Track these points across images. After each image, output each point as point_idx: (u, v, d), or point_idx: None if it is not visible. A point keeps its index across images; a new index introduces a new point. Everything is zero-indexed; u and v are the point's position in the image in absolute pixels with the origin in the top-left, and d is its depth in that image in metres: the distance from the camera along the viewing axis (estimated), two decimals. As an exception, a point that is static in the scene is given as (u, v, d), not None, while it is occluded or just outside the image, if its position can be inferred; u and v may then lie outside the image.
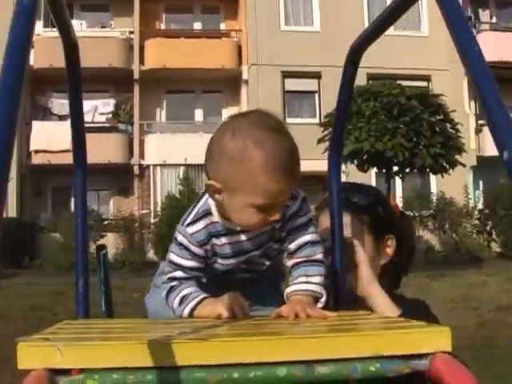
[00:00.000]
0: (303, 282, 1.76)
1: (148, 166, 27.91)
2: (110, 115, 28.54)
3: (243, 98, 28.17)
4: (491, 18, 30.45)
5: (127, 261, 22.51)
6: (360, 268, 2.01)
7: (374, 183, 25.56)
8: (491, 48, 28.03)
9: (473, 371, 1.26)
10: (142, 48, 28.63)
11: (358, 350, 1.24)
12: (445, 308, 12.12)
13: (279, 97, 27.76)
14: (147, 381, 1.17)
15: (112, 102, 28.64)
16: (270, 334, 1.33)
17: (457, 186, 24.76)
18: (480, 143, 26.39)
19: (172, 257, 1.80)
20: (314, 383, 1.23)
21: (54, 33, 24.99)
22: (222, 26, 30.94)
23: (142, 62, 28.51)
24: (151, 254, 23.93)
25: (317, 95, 28.15)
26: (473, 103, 26.70)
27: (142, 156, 28.03)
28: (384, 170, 18.35)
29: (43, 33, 24.53)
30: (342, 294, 1.91)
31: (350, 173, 23.57)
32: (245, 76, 28.26)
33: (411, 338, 1.27)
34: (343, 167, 19.88)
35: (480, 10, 30.14)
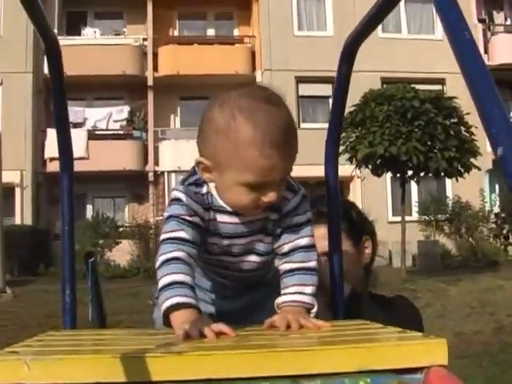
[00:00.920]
0: (296, 293, 1.66)
1: (162, 173, 27.96)
2: (125, 122, 28.63)
3: (257, 104, 28.15)
4: (506, 19, 30.30)
5: (142, 268, 22.50)
6: None
7: (388, 187, 25.61)
8: (506, 50, 27.98)
9: (489, 376, 1.20)
10: (155, 55, 28.71)
11: (347, 364, 1.18)
12: (461, 313, 12.05)
13: (293, 102, 27.69)
14: (118, 397, 1.11)
15: (126, 108, 28.72)
16: (252, 347, 1.25)
17: (473, 189, 24.64)
18: (496, 146, 26.20)
19: (169, 214, 1.65)
20: None
21: (67, 41, 25.17)
22: (236, 32, 30.99)
23: (155, 68, 28.59)
24: (166, 261, 23.93)
25: (331, 100, 28.09)
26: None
27: (156, 163, 28.08)
28: (398, 175, 18.26)
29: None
30: (338, 302, 1.86)
31: (365, 178, 23.56)
32: (259, 81, 28.25)
33: (405, 351, 1.21)
34: (358, 172, 19.82)
35: (494, 12, 30.01)
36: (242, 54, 28.96)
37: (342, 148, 16.95)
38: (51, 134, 25.55)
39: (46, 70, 26.25)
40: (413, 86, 18.91)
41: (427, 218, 25.34)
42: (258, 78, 28.30)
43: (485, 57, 27.82)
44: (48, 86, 25.85)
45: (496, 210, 25.94)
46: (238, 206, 1.62)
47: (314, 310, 1.66)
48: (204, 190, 1.66)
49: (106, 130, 28.26)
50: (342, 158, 16.94)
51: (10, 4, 24.15)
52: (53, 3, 27.43)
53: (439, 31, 27.62)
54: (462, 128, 17.66)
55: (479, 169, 17.79)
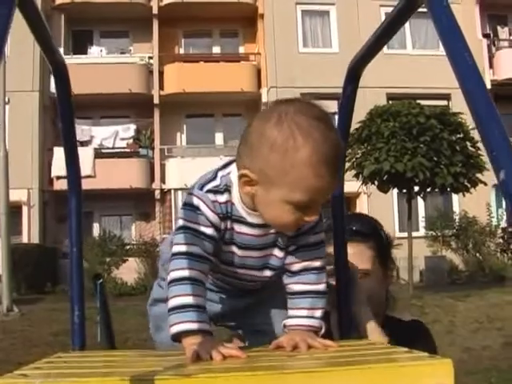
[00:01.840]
0: (306, 317, 1.66)
1: (169, 191, 27.96)
2: (131, 140, 28.68)
3: (263, 121, 28.13)
4: (510, 35, 30.33)
5: (149, 285, 22.43)
6: (355, 289, 1.94)
7: (395, 203, 25.58)
8: (510, 65, 27.99)
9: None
10: (161, 73, 28.80)
11: None
12: (469, 328, 12.01)
13: (299, 119, 27.77)
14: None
15: (132, 127, 28.78)
16: (260, 368, 1.26)
17: (479, 204, 24.59)
18: (502, 161, 26.15)
19: (184, 223, 1.60)
20: None
21: (74, 60, 25.28)
22: (241, 50, 31.08)
23: (161, 86, 28.67)
24: (173, 279, 23.89)
25: (337, 116, 28.05)
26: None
27: (163, 180, 28.10)
28: (405, 191, 18.23)
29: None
30: (346, 322, 1.86)
31: (371, 194, 23.55)
32: (264, 99, 28.27)
33: (411, 371, 1.21)
34: (364, 188, 19.81)
35: (499, 28, 30.05)
36: (247, 72, 29.03)
37: (348, 164, 16.96)
38: (58, 153, 25.61)
39: (52, 89, 26.37)
40: (418, 101, 18.92)
41: (434, 233, 25.27)
42: (264, 96, 28.35)
43: (489, 72, 27.89)
44: (55, 105, 25.97)
45: (503, 224, 25.87)
46: (278, 223, 1.59)
47: (322, 332, 1.66)
48: (224, 198, 1.62)
49: (113, 148, 28.32)
50: (349, 175, 16.96)
51: (17, 23, 24.04)
52: (59, 22, 27.62)
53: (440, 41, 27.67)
54: (468, 143, 17.65)
55: (485, 184, 17.75)
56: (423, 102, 19.29)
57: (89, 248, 21.08)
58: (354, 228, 2.19)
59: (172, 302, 1.53)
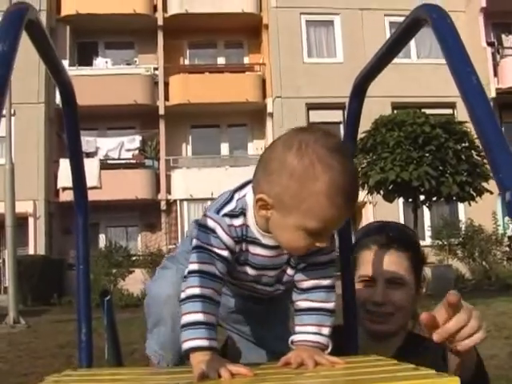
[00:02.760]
0: (313, 333, 1.67)
1: (175, 201, 27.99)
2: (137, 151, 28.74)
3: (269, 131, 28.19)
4: (515, 43, 30.35)
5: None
6: None
7: (401, 213, 25.55)
8: (515, 74, 27.98)
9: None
10: (166, 84, 28.85)
11: None
12: (476, 338, 11.94)
13: (304, 128, 27.78)
14: None
15: (138, 138, 28.83)
16: None
17: (485, 213, 24.53)
18: (508, 170, 26.11)
19: (200, 244, 1.63)
20: None
21: (78, 71, 25.36)
22: (246, 60, 31.14)
23: (166, 97, 28.71)
24: (179, 289, 23.89)
25: (342, 126, 28.12)
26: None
27: (168, 191, 28.12)
28: (411, 200, 18.22)
29: (68, 72, 24.84)
30: (351, 335, 1.86)
31: (377, 203, 23.53)
32: (269, 109, 28.33)
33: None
34: (370, 198, 19.79)
35: (503, 36, 30.06)
36: (252, 82, 29.07)
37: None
38: (63, 164, 25.68)
39: (58, 101, 26.46)
40: (423, 110, 18.93)
41: (440, 242, 25.22)
42: (269, 106, 28.39)
43: (494, 80, 27.85)
44: (60, 117, 26.01)
45: (509, 233, 25.81)
46: (290, 247, 1.62)
47: (328, 350, 1.66)
48: (240, 221, 1.65)
49: (118, 159, 28.37)
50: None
51: (23, 36, 24.33)
52: (64, 34, 27.71)
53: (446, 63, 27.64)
54: (474, 152, 17.64)
55: (491, 192, 17.72)
56: (428, 111, 19.31)
57: (95, 259, 21.08)
58: (397, 236, 2.19)
59: (185, 319, 1.56)
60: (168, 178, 28.19)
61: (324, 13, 29.11)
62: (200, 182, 26.66)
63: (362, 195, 18.11)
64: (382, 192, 17.99)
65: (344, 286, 1.91)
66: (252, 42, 30.55)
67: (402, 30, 1.46)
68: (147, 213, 27.77)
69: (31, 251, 25.93)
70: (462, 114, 23.66)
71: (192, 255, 1.63)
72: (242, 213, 1.65)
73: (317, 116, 28.22)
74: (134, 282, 23.17)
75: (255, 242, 1.67)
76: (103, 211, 24.09)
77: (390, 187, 17.56)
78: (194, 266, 1.61)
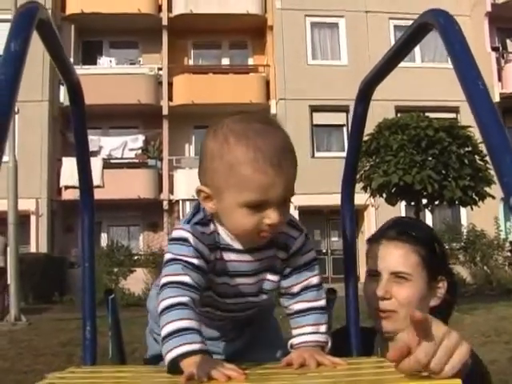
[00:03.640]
0: (311, 333, 1.65)
1: (177, 201, 27.99)
2: (140, 151, 28.76)
3: (272, 133, 28.12)
4: (519, 48, 30.37)
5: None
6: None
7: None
8: (520, 79, 27.98)
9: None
10: (170, 84, 28.88)
11: None
12: (476, 342, 11.92)
13: (307, 131, 27.78)
14: None
15: (141, 137, 28.85)
16: None
17: (487, 217, 24.54)
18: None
19: (172, 256, 1.58)
20: None
21: (83, 70, 25.37)
22: (250, 61, 31.15)
23: (170, 98, 28.74)
24: (180, 289, 23.90)
25: (345, 129, 28.13)
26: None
27: (171, 191, 28.14)
28: (413, 203, 18.20)
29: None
30: (353, 335, 1.86)
31: (379, 206, 23.51)
32: (273, 110, 28.32)
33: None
34: (372, 201, 19.79)
35: (508, 41, 30.07)
36: (256, 83, 29.09)
37: (356, 177, 16.95)
38: (67, 163, 25.72)
39: (61, 99, 26.52)
40: (427, 114, 18.92)
41: (442, 246, 25.21)
42: (273, 107, 28.40)
43: (498, 85, 27.86)
44: (64, 115, 26.09)
45: (511, 238, 25.82)
46: (241, 232, 1.57)
47: (328, 346, 1.66)
48: (210, 228, 1.63)
49: (121, 158, 28.38)
50: (357, 187, 16.89)
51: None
52: (69, 33, 27.73)
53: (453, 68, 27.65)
54: (477, 157, 17.61)
55: (494, 197, 17.70)
56: (432, 115, 19.29)
57: (97, 258, 21.00)
58: (408, 230, 2.14)
59: (164, 331, 1.49)
60: (171, 178, 28.21)
61: (329, 15, 29.12)
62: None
63: (365, 198, 18.10)
64: (384, 195, 17.98)
65: (347, 287, 1.90)
66: (256, 44, 30.57)
67: (408, 35, 1.47)
68: (149, 212, 27.79)
69: (33, 249, 25.95)
70: (465, 118, 23.66)
71: (165, 269, 1.58)
72: (211, 220, 1.63)
73: (320, 118, 28.24)
74: (135, 282, 23.21)
75: (228, 248, 1.64)
76: (105, 210, 24.09)
77: (393, 190, 17.54)
78: (167, 279, 1.56)
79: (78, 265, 24.74)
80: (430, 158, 17.15)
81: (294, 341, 1.67)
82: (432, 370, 1.28)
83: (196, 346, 1.46)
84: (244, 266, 1.66)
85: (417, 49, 28.16)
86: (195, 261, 1.57)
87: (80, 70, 24.58)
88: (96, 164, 25.13)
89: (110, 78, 27.67)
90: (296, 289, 1.70)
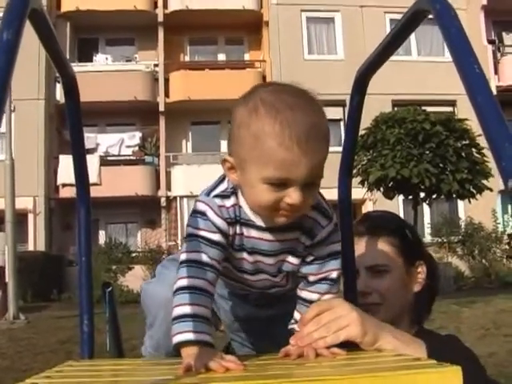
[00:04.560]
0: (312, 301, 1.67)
1: (175, 198, 27.97)
2: (137, 148, 28.72)
3: (268, 128, 28.14)
4: (515, 41, 30.37)
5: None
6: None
7: (401, 210, 25.54)
8: (516, 71, 28.00)
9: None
10: (166, 80, 28.84)
11: None
12: (475, 335, 11.95)
13: (304, 125, 27.78)
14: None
15: (138, 134, 28.83)
16: (268, 377, 1.25)
17: (485, 210, 24.56)
18: (508, 167, 26.12)
19: (191, 230, 1.56)
20: None
21: (79, 67, 25.34)
22: (246, 57, 31.13)
23: (167, 94, 28.70)
24: (179, 286, 23.93)
25: (342, 123, 28.12)
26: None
27: (168, 188, 28.11)
28: (411, 197, 18.22)
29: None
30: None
31: (377, 200, 23.53)
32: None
33: (419, 379, 1.20)
34: (369, 195, 19.80)
35: (504, 34, 30.07)
36: (252, 79, 28.95)
37: (353, 171, 16.97)
38: (64, 160, 25.69)
39: (58, 97, 26.47)
40: (424, 108, 18.94)
41: (440, 239, 25.24)
42: (269, 102, 28.37)
43: (495, 78, 27.87)
44: (60, 113, 26.07)
45: (509, 230, 25.83)
46: (260, 208, 1.52)
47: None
48: (231, 201, 1.59)
49: (118, 155, 28.35)
50: (354, 181, 16.96)
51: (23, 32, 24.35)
52: (64, 30, 27.67)
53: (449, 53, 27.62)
54: (474, 150, 17.64)
55: (491, 190, 17.74)
56: (429, 109, 19.32)
57: (95, 256, 21.07)
58: (377, 223, 2.17)
59: (174, 313, 1.50)
60: (168, 174, 28.19)
61: (324, 10, 29.11)
62: (200, 179, 26.37)
63: (362, 192, 18.12)
64: (382, 189, 18.00)
65: (345, 281, 1.89)
66: (252, 39, 30.54)
67: (404, 22, 1.45)
68: (147, 209, 27.78)
69: (31, 247, 25.95)
70: (462, 111, 23.67)
71: (184, 245, 1.57)
72: (234, 192, 1.60)
73: (317, 113, 28.20)
74: (133, 279, 23.17)
75: (249, 224, 1.60)
76: (103, 208, 24.06)
77: (390, 184, 17.56)
78: (184, 256, 1.55)
79: (77, 263, 24.72)
80: (427, 152, 17.18)
81: (295, 326, 1.67)
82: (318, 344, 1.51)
83: (195, 336, 1.45)
84: (264, 245, 1.63)
85: (413, 42, 28.18)
86: (213, 236, 1.56)
87: (76, 68, 24.43)
88: (93, 161, 25.14)
89: (107, 75, 27.65)
90: (312, 278, 1.67)
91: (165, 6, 29.24)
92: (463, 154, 17.43)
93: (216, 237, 1.56)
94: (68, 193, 25.61)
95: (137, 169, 27.90)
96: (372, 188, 18.01)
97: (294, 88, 1.53)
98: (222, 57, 31.00)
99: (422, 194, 17.95)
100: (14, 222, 16.82)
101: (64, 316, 16.27)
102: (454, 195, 17.77)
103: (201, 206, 1.58)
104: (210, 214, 1.57)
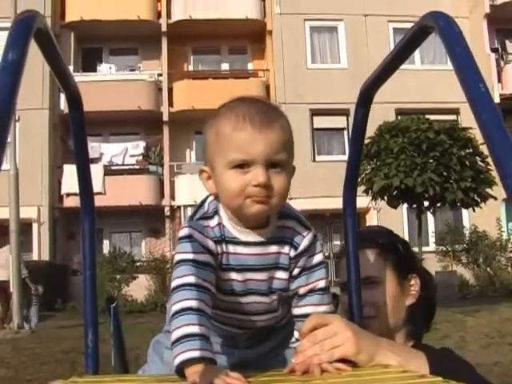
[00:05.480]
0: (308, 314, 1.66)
1: (179, 207, 27.99)
2: (141, 157, 28.76)
3: (272, 137, 28.16)
4: (518, 49, 30.38)
5: (159, 302, 22.50)
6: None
7: (405, 219, 25.55)
8: (519, 79, 28.00)
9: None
10: (170, 90, 28.89)
11: None
12: (480, 344, 11.92)
13: (308, 135, 27.77)
14: None
15: (142, 144, 28.86)
16: None
17: (489, 219, 24.52)
18: None
19: (179, 256, 1.58)
20: None
21: (83, 77, 25.41)
22: (250, 66, 31.17)
23: (170, 103, 28.75)
24: (183, 295, 23.90)
25: (345, 132, 28.14)
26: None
27: (172, 197, 28.13)
28: (415, 206, 18.21)
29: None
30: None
31: (381, 209, 23.52)
32: (273, 115, 28.30)
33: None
34: (374, 204, 19.80)
35: (507, 42, 30.08)
36: (256, 88, 29.04)
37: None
38: (68, 170, 25.71)
39: (62, 107, 26.53)
40: (427, 116, 18.93)
41: (444, 248, 25.21)
42: (273, 112, 28.34)
43: (498, 86, 27.87)
44: (64, 122, 26.12)
45: (513, 239, 25.78)
46: (232, 197, 1.56)
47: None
48: (215, 221, 1.63)
49: (122, 165, 28.39)
50: (358, 190, 16.91)
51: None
52: (68, 40, 27.76)
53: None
54: (478, 158, 17.63)
55: (495, 198, 17.71)
56: (432, 117, 19.31)
57: (99, 265, 21.07)
58: (368, 237, 2.18)
59: (174, 335, 1.48)
60: (172, 183, 28.21)
61: (328, 19, 29.16)
62: (204, 188, 26.56)
63: (366, 201, 18.11)
64: (386, 198, 17.99)
65: (350, 291, 1.89)
66: (256, 48, 30.58)
67: (409, 38, 1.46)
68: (151, 218, 27.79)
69: (35, 257, 25.94)
70: (465, 120, 23.67)
71: (175, 271, 1.57)
72: (216, 213, 1.64)
73: (320, 122, 28.24)
74: (138, 288, 23.20)
75: (235, 242, 1.63)
76: (107, 217, 24.11)
77: (394, 193, 17.55)
78: (177, 282, 1.55)
79: (81, 272, 24.70)
80: (431, 161, 17.17)
81: (295, 346, 1.65)
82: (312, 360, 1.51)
83: (200, 354, 1.44)
84: (251, 260, 1.64)
85: (416, 51, 28.02)
86: (201, 257, 1.57)
87: (80, 77, 24.68)
88: (97, 171, 25.13)
89: (110, 84, 27.69)
90: (302, 290, 1.68)
91: (168, 15, 29.32)
92: (467, 163, 17.41)
93: (205, 257, 1.57)
94: (72, 202, 25.59)
95: (141, 178, 27.92)
96: (376, 197, 18.00)
97: (255, 96, 1.66)
98: (225, 66, 31.05)
99: (426, 203, 17.93)
100: (18, 231, 16.83)
101: (68, 326, 16.27)
102: (458, 204, 17.76)
103: (186, 231, 1.61)
104: (196, 235, 1.59)
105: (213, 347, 1.51)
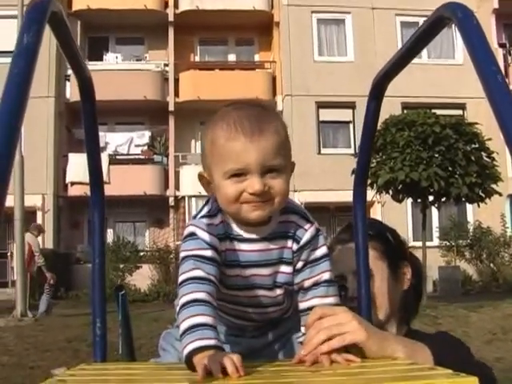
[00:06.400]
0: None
1: (183, 198, 27.99)
2: (146, 147, 28.76)
3: (278, 129, 28.17)
4: (527, 45, 30.28)
5: (162, 292, 22.56)
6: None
7: (409, 213, 25.53)
8: (527, 76, 27.90)
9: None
10: (176, 80, 28.87)
11: None
12: (483, 340, 11.92)
13: (314, 127, 27.74)
14: None
15: (147, 134, 28.86)
16: None
17: (494, 214, 24.51)
18: (517, 171, 26.15)
19: (184, 253, 1.60)
20: None
21: (89, 66, 25.37)
22: (256, 58, 31.13)
23: (176, 94, 28.73)
24: (186, 286, 23.95)
25: (351, 125, 28.10)
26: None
27: (177, 187, 28.13)
28: (419, 200, 18.17)
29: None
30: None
31: (385, 203, 23.50)
32: (279, 107, 28.26)
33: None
34: (378, 197, 19.77)
35: (515, 38, 30.01)
36: (262, 80, 29.06)
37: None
38: (72, 159, 25.76)
39: (68, 95, 26.54)
40: (433, 111, 18.88)
41: (448, 243, 25.19)
42: (279, 104, 28.34)
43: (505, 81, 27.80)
44: (70, 111, 26.15)
45: (517, 235, 25.76)
46: (230, 204, 1.59)
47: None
48: (219, 219, 1.65)
49: (127, 154, 28.41)
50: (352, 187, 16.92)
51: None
52: (75, 29, 27.72)
53: (459, 56, 27.61)
54: (483, 154, 17.58)
55: (500, 194, 17.68)
56: (438, 112, 19.26)
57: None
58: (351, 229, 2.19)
59: (182, 326, 1.49)
60: (177, 174, 28.20)
61: (335, 11, 29.09)
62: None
63: (371, 195, 18.08)
64: (390, 192, 17.95)
65: (358, 284, 1.89)
66: (263, 40, 30.54)
67: (424, 29, 1.45)
68: (155, 209, 27.82)
69: (39, 245, 25.99)
70: (472, 114, 23.66)
71: (180, 268, 1.59)
72: (219, 211, 1.65)
73: (327, 114, 28.19)
74: (141, 278, 23.26)
75: (239, 239, 1.65)
76: (111, 206, 24.09)
77: (399, 187, 17.52)
78: (183, 276, 1.56)
79: (84, 261, 24.80)
80: (437, 155, 17.12)
81: (302, 339, 1.65)
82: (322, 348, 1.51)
83: (208, 342, 1.44)
84: (255, 256, 1.66)
85: (424, 45, 28.11)
86: (206, 252, 1.59)
87: (86, 66, 24.63)
88: (102, 160, 25.15)
89: (116, 74, 27.67)
90: (307, 283, 1.68)
91: (175, 5, 29.28)
92: (472, 158, 17.37)
93: (209, 253, 1.59)
94: (76, 191, 25.67)
95: (145, 168, 27.94)
96: (381, 191, 17.96)
97: (251, 99, 1.71)
98: (232, 57, 31.02)
99: (431, 198, 17.89)
100: (22, 219, 16.85)
101: (72, 314, 16.32)
102: (463, 199, 17.72)
103: (190, 229, 1.63)
104: (200, 232, 1.61)
105: (220, 337, 1.52)
